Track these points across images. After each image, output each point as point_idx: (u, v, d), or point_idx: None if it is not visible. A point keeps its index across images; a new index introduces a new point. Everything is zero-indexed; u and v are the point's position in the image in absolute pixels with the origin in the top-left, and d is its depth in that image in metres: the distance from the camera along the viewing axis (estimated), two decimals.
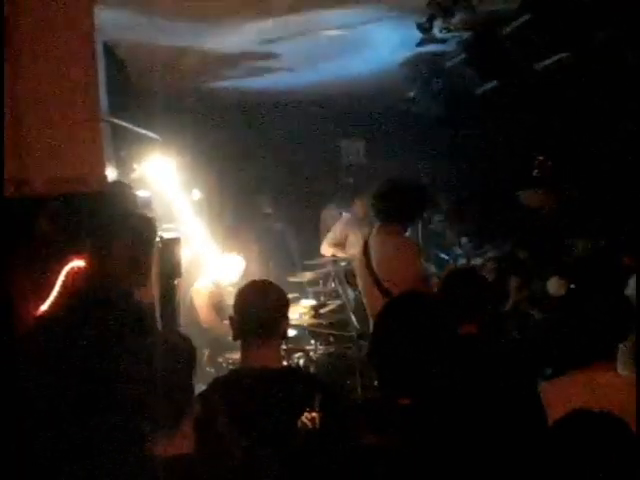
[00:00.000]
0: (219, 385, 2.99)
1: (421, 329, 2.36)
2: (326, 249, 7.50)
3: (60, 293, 2.88)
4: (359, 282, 4.94)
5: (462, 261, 7.54)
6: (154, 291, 3.97)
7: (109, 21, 5.02)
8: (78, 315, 2.60)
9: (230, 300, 3.66)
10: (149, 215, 3.09)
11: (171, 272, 4.32)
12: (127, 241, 2.69)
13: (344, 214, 7.89)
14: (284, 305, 3.01)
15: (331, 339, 6.33)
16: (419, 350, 2.32)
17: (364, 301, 4.88)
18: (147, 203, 4.54)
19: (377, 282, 4.57)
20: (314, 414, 2.73)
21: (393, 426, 2.23)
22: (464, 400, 2.32)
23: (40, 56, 2.76)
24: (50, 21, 2.78)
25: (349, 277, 7.04)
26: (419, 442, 2.17)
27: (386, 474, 2.16)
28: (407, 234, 4.95)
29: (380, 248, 4.65)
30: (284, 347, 5.68)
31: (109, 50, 5.91)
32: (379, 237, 4.71)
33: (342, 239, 7.48)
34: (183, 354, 2.16)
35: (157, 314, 4.03)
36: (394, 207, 4.66)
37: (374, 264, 4.62)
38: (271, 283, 3.16)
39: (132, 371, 2.09)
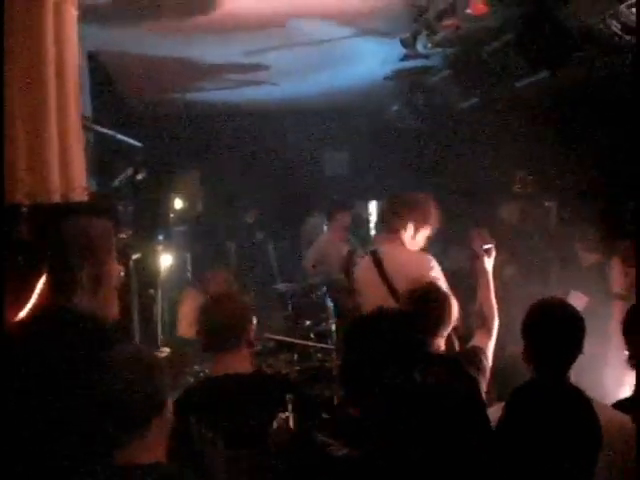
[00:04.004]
0: (191, 394, 3.08)
1: (379, 345, 2.47)
2: (308, 266, 7.53)
3: (36, 302, 2.88)
4: (366, 293, 4.77)
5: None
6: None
7: (93, 31, 5.04)
8: (45, 326, 2.62)
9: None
10: (113, 226, 3.07)
11: (149, 281, 4.32)
12: (87, 253, 2.68)
13: (325, 228, 7.92)
14: (245, 317, 3.15)
15: (310, 351, 6.32)
16: (373, 363, 2.43)
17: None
18: (127, 212, 4.56)
19: (393, 292, 4.42)
20: (287, 414, 2.78)
21: (346, 436, 2.33)
22: (411, 415, 2.38)
23: (25, 64, 2.76)
24: (34, 29, 2.79)
25: (331, 290, 7.05)
26: (367, 451, 2.26)
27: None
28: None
29: (394, 258, 4.52)
30: (260, 358, 5.69)
31: (93, 59, 5.92)
32: (388, 247, 4.61)
33: (322, 257, 7.50)
34: (146, 365, 2.17)
35: (135, 324, 4.04)
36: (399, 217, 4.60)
37: (389, 274, 4.47)
38: (231, 296, 3.37)
39: (92, 382, 2.12)
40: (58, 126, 2.90)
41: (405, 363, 2.45)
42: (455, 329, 3.90)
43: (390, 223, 4.62)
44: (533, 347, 2.78)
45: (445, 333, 3.67)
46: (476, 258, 3.99)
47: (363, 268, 4.74)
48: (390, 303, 4.26)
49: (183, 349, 5.25)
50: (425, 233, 4.59)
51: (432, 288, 3.80)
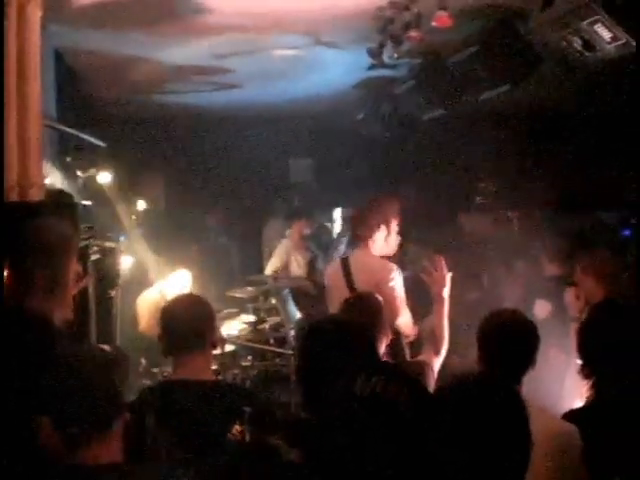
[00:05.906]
0: (149, 396, 3.03)
1: (330, 352, 2.60)
2: (269, 272, 7.60)
3: None
4: (332, 297, 4.82)
5: None
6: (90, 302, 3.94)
7: (59, 29, 5.02)
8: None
9: None
10: (73, 226, 3.06)
11: (108, 282, 4.29)
12: (42, 255, 2.66)
13: (286, 234, 7.95)
14: (209, 317, 3.07)
15: (268, 356, 6.34)
16: (321, 370, 2.55)
17: None
18: (88, 212, 4.53)
19: None
20: (243, 427, 2.77)
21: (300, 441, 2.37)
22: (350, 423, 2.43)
23: None
24: None
25: (298, 296, 7.09)
26: (315, 456, 2.30)
27: None
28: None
29: (360, 264, 4.63)
30: (220, 362, 5.68)
31: (59, 57, 5.88)
32: (357, 253, 4.74)
33: (285, 264, 7.60)
34: (108, 364, 2.17)
35: (92, 325, 4.01)
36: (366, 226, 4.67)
37: (354, 279, 4.58)
38: (194, 296, 3.30)
39: (51, 382, 2.12)
40: (18, 125, 2.90)
41: (350, 371, 2.51)
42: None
43: (357, 230, 4.75)
44: (483, 354, 2.84)
45: (379, 342, 3.66)
46: (435, 285, 4.00)
47: (332, 272, 4.87)
48: None
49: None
50: (392, 238, 4.69)
51: (364, 297, 3.82)
